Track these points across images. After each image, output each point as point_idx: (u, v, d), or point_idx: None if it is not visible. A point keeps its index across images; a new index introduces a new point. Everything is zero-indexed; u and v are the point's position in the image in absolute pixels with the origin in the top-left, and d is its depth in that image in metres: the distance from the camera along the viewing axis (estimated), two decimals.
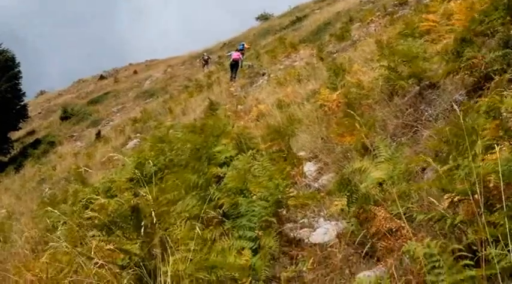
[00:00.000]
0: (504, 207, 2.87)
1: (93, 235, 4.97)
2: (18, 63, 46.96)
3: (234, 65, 27.62)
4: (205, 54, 45.92)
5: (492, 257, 2.79)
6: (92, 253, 4.43)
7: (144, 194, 4.87)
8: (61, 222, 6.26)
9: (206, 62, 43.62)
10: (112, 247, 4.45)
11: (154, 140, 7.85)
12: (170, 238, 4.31)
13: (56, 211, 6.53)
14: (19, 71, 46.69)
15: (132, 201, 5.02)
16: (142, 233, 4.39)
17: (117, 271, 4.24)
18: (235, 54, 28.33)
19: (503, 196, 2.87)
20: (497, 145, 3.31)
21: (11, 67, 46.02)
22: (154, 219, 4.25)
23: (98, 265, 4.19)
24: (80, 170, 9.97)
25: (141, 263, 4.25)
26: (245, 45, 32.43)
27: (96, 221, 5.24)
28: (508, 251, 2.74)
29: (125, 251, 4.39)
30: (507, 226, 2.79)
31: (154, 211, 4.40)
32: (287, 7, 56.23)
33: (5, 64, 45.34)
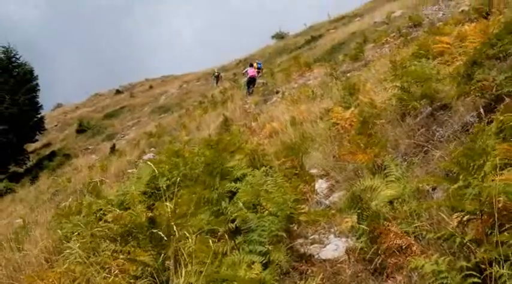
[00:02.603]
0: None
1: (106, 246, 5.01)
2: (37, 76, 47.35)
3: (252, 82, 27.85)
4: (216, 70, 46.56)
5: (500, 276, 2.80)
6: (106, 263, 4.48)
7: (160, 207, 4.91)
8: (75, 233, 6.30)
9: (217, 78, 44.27)
10: (126, 257, 4.49)
11: (170, 154, 7.89)
12: (183, 251, 4.34)
13: (70, 222, 6.61)
14: (37, 84, 47.03)
15: (147, 214, 5.06)
16: (157, 245, 4.44)
17: (131, 280, 4.27)
18: (251, 71, 28.55)
19: None
20: (509, 165, 3.33)
21: (29, 80, 46.35)
22: (173, 231, 4.29)
23: (111, 275, 4.22)
24: (95, 182, 10.03)
25: (154, 274, 4.29)
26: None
27: (109, 232, 5.28)
28: None
29: (139, 262, 4.43)
30: None
31: (169, 224, 4.44)
32: (303, 25, 56.41)
33: (24, 77, 45.73)
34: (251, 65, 31.05)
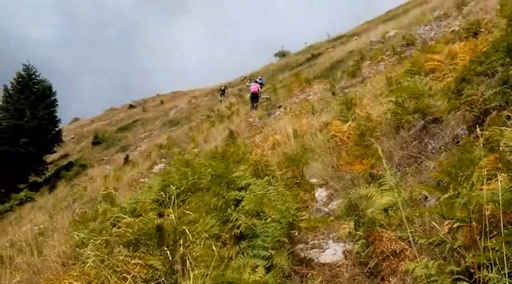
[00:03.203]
0: (502, 233, 2.88)
1: (119, 251, 5.01)
2: (55, 92, 47.83)
3: (254, 97, 27.97)
4: (222, 85, 47.10)
5: (489, 280, 2.79)
6: (119, 267, 4.48)
7: (168, 214, 4.92)
8: (91, 239, 6.30)
9: (223, 92, 44.63)
10: (137, 262, 4.49)
11: (180, 164, 7.89)
12: (190, 255, 4.35)
13: (86, 228, 6.61)
14: (55, 99, 47.48)
15: (156, 221, 5.06)
16: (165, 250, 4.44)
17: (142, 283, 4.27)
18: (253, 87, 28.68)
19: (501, 223, 2.88)
20: (496, 176, 3.33)
21: (48, 96, 46.76)
22: (178, 237, 4.29)
23: (123, 278, 4.23)
24: (110, 191, 10.03)
25: (163, 278, 4.29)
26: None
27: (122, 238, 5.28)
28: (503, 274, 2.74)
29: (148, 266, 4.43)
30: (504, 251, 2.80)
31: (176, 230, 4.44)
32: (304, 44, 56.64)
33: (43, 93, 46.18)
34: (255, 81, 31.33)
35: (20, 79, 46.04)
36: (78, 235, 6.51)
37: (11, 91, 45.57)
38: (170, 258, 4.46)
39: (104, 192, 12.17)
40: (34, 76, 46.91)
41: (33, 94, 45.52)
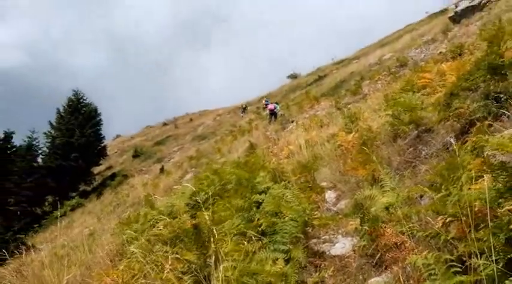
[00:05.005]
0: (489, 225, 2.88)
1: (159, 248, 5.04)
2: (100, 113, 48.45)
3: (272, 114, 28.44)
4: (243, 104, 47.92)
5: (478, 266, 2.79)
6: (159, 261, 4.51)
7: (201, 216, 4.94)
8: (134, 238, 6.34)
9: (244, 110, 45.26)
10: (175, 257, 4.52)
11: (208, 173, 7.93)
12: (221, 250, 4.37)
13: (129, 229, 6.65)
14: (100, 119, 48.09)
15: (191, 221, 5.09)
16: (200, 246, 4.47)
17: (180, 275, 4.29)
18: (271, 106, 29.57)
19: (488, 217, 2.88)
20: (482, 177, 3.32)
21: (94, 116, 47.36)
22: (213, 234, 4.32)
23: (163, 271, 4.25)
24: (150, 197, 10.10)
25: (198, 270, 4.32)
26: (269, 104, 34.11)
27: (161, 237, 5.32)
28: (491, 261, 2.74)
29: (185, 260, 4.45)
30: (491, 241, 2.80)
31: (210, 229, 4.47)
32: (312, 67, 56.69)
33: (90, 114, 46.85)
34: (266, 102, 33.84)
35: (70, 103, 46.72)
36: (124, 235, 6.56)
37: (62, 113, 46.23)
38: (204, 253, 4.49)
39: (146, 198, 12.23)
40: (82, 100, 47.54)
41: (82, 116, 46.13)
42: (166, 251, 4.77)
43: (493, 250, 2.77)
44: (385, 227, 4.33)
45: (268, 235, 4.86)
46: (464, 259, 3.01)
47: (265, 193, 5.83)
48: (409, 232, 3.83)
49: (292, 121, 23.16)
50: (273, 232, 4.85)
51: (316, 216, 5.47)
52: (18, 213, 36.12)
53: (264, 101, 42.03)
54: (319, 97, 27.82)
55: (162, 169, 32.09)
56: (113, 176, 44.82)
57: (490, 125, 5.04)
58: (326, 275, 4.30)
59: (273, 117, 28.57)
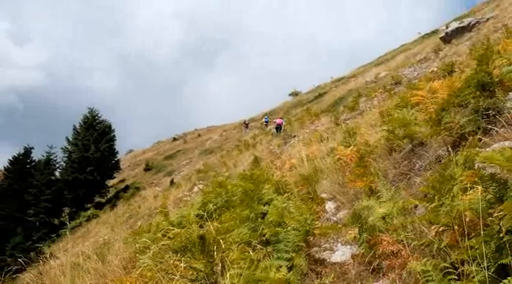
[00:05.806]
0: (481, 234, 2.87)
1: (169, 257, 5.03)
2: (113, 129, 48.61)
3: (278, 128, 28.74)
4: (245, 120, 48.28)
5: (471, 272, 2.79)
6: (170, 269, 4.51)
7: (208, 227, 4.94)
8: (146, 247, 6.33)
9: (246, 126, 45.49)
10: (184, 265, 4.51)
11: (215, 186, 7.94)
12: (227, 258, 4.36)
13: (142, 238, 6.64)
14: (114, 136, 48.28)
15: (198, 231, 5.09)
16: (206, 255, 4.46)
17: (189, 283, 4.29)
18: (279, 120, 30.59)
19: (481, 226, 2.88)
20: (472, 188, 3.32)
21: (108, 133, 47.58)
22: (220, 244, 4.32)
23: (173, 279, 4.25)
24: (165, 209, 10.09)
25: (205, 277, 4.31)
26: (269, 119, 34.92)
27: (171, 246, 5.31)
28: (483, 268, 2.74)
29: (193, 268, 4.45)
30: (483, 248, 2.79)
31: (215, 238, 4.47)
32: (312, 85, 56.82)
33: (104, 130, 47.06)
34: (266, 117, 34.47)
35: (85, 120, 47.04)
36: (137, 244, 6.55)
37: (78, 130, 46.50)
38: (211, 261, 4.48)
39: (161, 207, 12.21)
40: (97, 117, 47.86)
41: (96, 132, 46.38)
42: (177, 260, 4.77)
43: (484, 257, 2.77)
44: (382, 236, 4.32)
45: (272, 244, 4.86)
46: (457, 265, 3.00)
47: (269, 204, 5.83)
48: (405, 241, 3.82)
49: (294, 136, 23.19)
50: (277, 241, 4.84)
51: (317, 226, 5.45)
52: (37, 223, 36.28)
53: (264, 119, 42.51)
54: (319, 113, 27.86)
55: (172, 182, 32.11)
56: (126, 188, 44.90)
57: (480, 139, 5.04)
58: (327, 282, 4.28)
59: (278, 130, 28.76)
